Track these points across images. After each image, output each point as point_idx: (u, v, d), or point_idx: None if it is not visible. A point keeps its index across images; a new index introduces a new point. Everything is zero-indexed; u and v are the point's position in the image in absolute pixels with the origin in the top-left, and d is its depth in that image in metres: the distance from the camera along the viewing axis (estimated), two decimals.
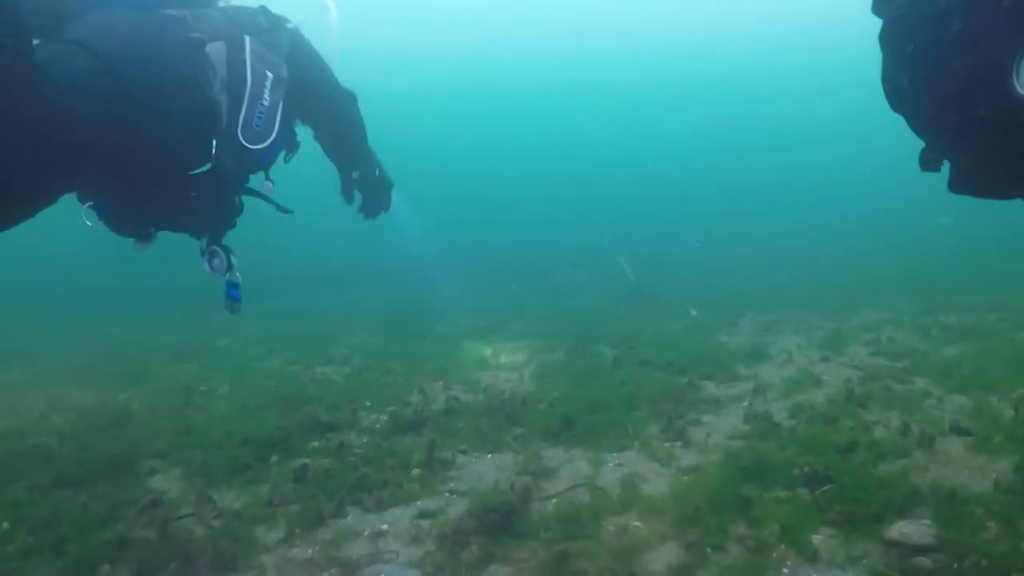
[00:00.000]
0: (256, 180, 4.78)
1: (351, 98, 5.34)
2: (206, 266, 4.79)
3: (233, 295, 4.89)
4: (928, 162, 3.31)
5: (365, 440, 8.62)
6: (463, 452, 8.11)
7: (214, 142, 4.13)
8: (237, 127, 4.22)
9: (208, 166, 4.19)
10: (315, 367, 12.56)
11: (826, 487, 6.37)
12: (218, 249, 4.77)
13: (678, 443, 8.05)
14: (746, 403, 9.07)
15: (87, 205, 4.30)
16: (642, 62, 49.73)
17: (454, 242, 30.12)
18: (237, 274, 4.85)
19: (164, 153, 3.99)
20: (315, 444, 8.44)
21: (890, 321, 14.09)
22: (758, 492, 6.42)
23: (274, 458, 8.05)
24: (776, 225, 32.67)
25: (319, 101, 5.10)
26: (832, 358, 11.17)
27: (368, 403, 9.99)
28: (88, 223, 4.39)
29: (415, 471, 7.54)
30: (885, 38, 3.26)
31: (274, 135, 4.42)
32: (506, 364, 12.23)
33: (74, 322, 20.21)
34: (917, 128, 3.34)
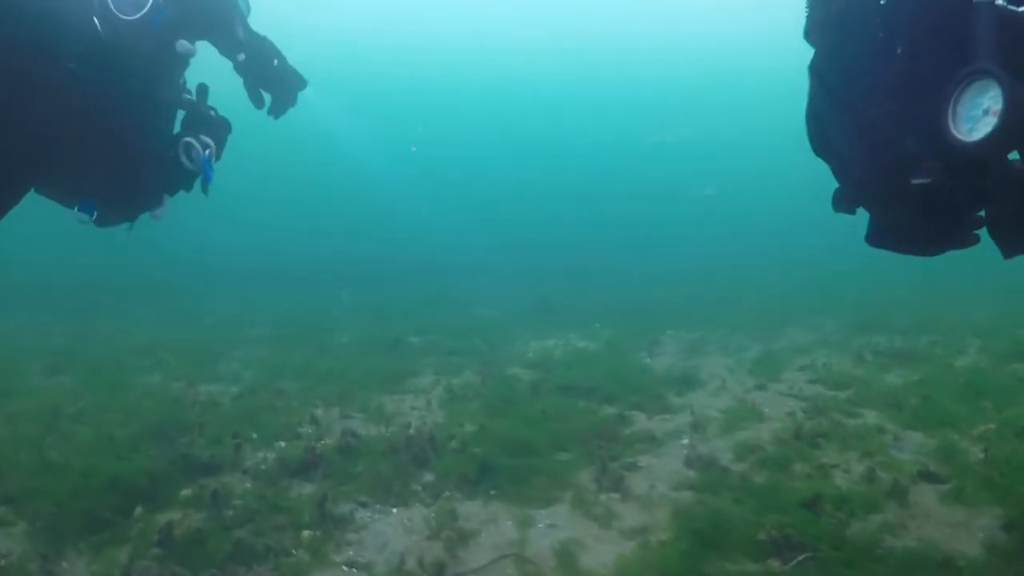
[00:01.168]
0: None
1: (241, 13, 5.00)
2: (184, 160, 4.63)
3: (208, 175, 4.73)
4: (841, 203, 3.22)
5: (247, 486, 7.12)
6: (363, 505, 6.69)
7: (95, 20, 4.11)
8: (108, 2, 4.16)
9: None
10: (200, 385, 10.99)
11: (800, 557, 5.37)
12: (192, 142, 4.63)
13: (616, 495, 6.85)
14: (685, 440, 8.18)
15: (76, 210, 4.47)
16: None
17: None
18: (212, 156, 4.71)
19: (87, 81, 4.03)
20: (187, 492, 6.86)
21: (820, 343, 13.42)
22: (721, 565, 5.39)
23: (138, 510, 6.51)
24: (692, 235, 31.69)
25: (221, 28, 4.83)
26: (768, 385, 10.41)
27: (254, 435, 8.49)
28: (81, 223, 4.52)
29: (305, 533, 6.07)
30: (815, 69, 3.07)
31: (149, 3, 4.24)
32: (410, 387, 10.88)
33: None
34: (839, 173, 3.16)
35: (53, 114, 3.99)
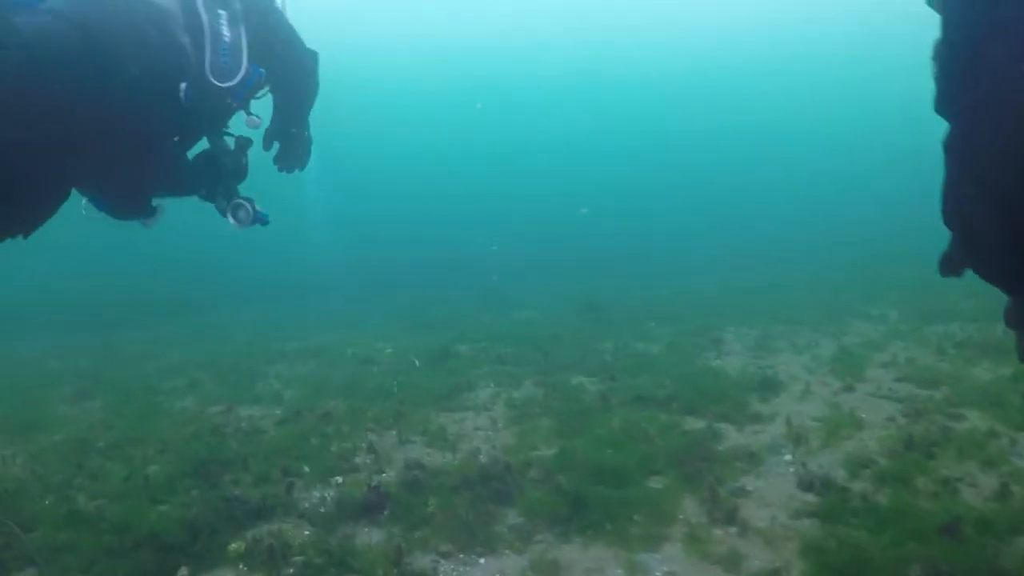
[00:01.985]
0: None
1: (312, 56, 5.26)
2: (232, 221, 4.82)
3: (261, 220, 4.92)
4: (951, 269, 2.87)
5: (306, 534, 6.05)
6: (445, 556, 5.63)
7: (183, 85, 4.24)
8: (204, 65, 4.25)
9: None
10: (239, 408, 9.99)
11: None
12: (242, 202, 4.80)
13: (733, 529, 5.83)
14: (787, 456, 7.25)
15: (85, 201, 4.58)
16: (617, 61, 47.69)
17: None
18: (262, 214, 4.89)
19: (143, 107, 4.08)
20: (237, 546, 5.80)
21: (892, 335, 12.48)
22: None
23: (183, 571, 5.46)
24: (738, 227, 30.61)
25: (277, 47, 4.91)
26: (855, 386, 9.45)
27: (306, 468, 7.45)
28: (87, 214, 4.59)
29: None
30: (951, 148, 2.58)
31: (243, 71, 4.37)
32: (468, 402, 9.84)
33: None
34: (969, 245, 2.73)
35: (103, 129, 3.99)
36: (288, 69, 5.10)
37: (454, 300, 20.39)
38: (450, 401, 9.79)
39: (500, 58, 46.48)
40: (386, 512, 6.30)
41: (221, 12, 4.39)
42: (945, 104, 2.63)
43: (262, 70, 4.66)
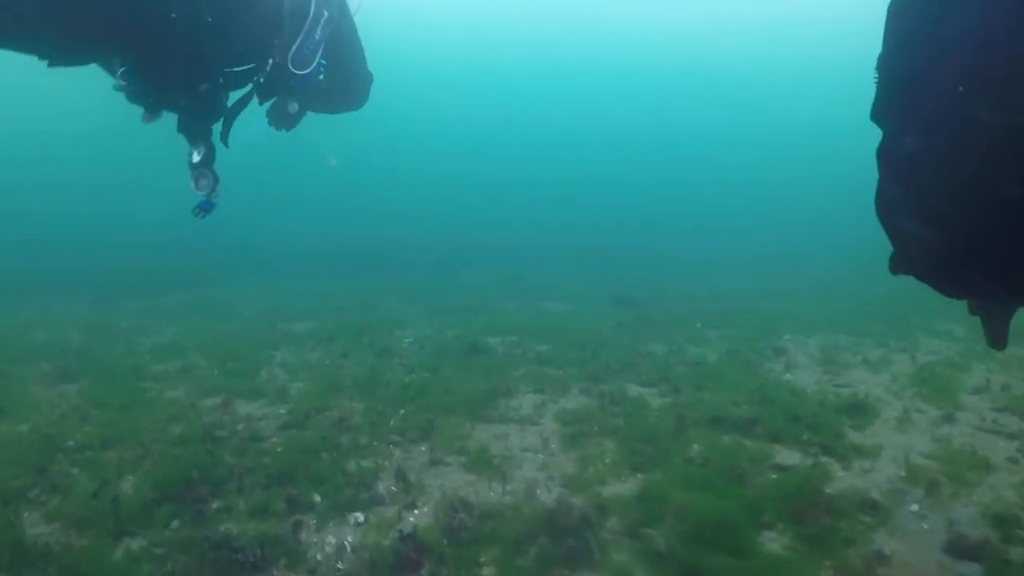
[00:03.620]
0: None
1: (367, 77, 5.67)
2: (192, 184, 4.90)
3: (205, 206, 5.01)
4: (898, 268, 2.94)
5: None
6: None
7: (271, 60, 4.82)
8: (290, 49, 4.74)
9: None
10: (237, 403, 8.27)
11: None
12: (209, 172, 4.92)
13: None
14: (915, 507, 5.87)
15: (121, 70, 4.51)
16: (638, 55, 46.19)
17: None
18: (216, 198, 5.02)
19: (222, 38, 4.55)
20: None
21: (968, 355, 11.01)
22: None
23: None
24: (764, 225, 28.99)
25: (343, 60, 5.30)
26: (955, 415, 8.07)
27: (317, 497, 5.70)
28: (118, 82, 4.56)
29: None
30: (884, 157, 2.76)
31: (313, 66, 4.85)
32: (510, 412, 8.16)
33: None
34: (903, 251, 2.86)
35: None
36: (344, 79, 5.53)
37: (471, 285, 18.65)
38: (487, 409, 8.10)
39: (535, 45, 45.01)
40: (424, 573, 4.58)
41: (324, 13, 4.84)
42: (881, 114, 2.73)
43: (322, 74, 5.11)
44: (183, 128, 5.07)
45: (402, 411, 7.90)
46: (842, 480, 6.36)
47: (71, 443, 7.14)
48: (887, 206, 2.78)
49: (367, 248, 24.00)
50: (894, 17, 2.63)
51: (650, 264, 22.07)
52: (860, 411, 8.15)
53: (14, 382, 9.63)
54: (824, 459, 6.79)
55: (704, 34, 45.40)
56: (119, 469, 6.49)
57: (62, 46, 4.30)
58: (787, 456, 6.88)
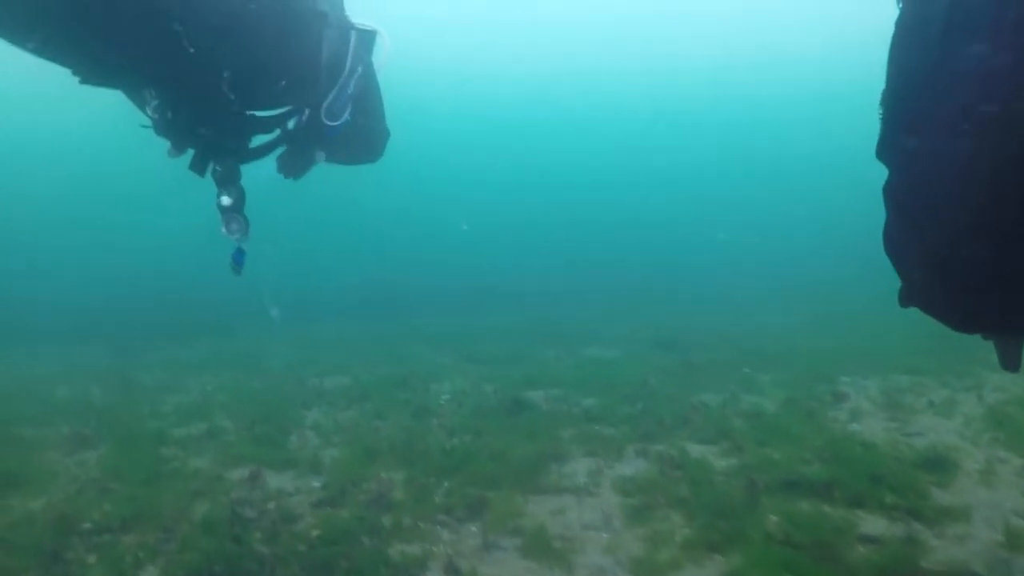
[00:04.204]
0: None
1: (385, 134, 5.74)
2: (223, 229, 4.79)
3: (238, 259, 4.94)
4: (908, 302, 2.99)
5: None
6: None
7: (307, 111, 4.82)
8: (326, 100, 4.78)
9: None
10: (268, 474, 7.59)
11: None
12: (239, 216, 4.78)
13: None
14: None
15: (154, 103, 4.42)
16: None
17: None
18: (247, 243, 4.88)
19: (259, 80, 4.45)
20: None
21: None
22: None
23: None
24: (792, 257, 28.17)
25: (366, 115, 5.31)
26: None
27: None
28: (147, 114, 4.48)
29: None
30: (890, 194, 2.84)
31: (343, 119, 4.90)
32: (563, 481, 7.43)
33: None
34: (910, 286, 2.95)
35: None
36: (364, 134, 5.48)
37: (502, 329, 17.88)
38: (539, 477, 7.39)
39: (557, 80, 44.59)
40: None
41: (358, 68, 4.91)
42: (885, 151, 2.76)
43: (344, 127, 5.02)
44: (202, 166, 4.88)
45: (446, 483, 7.20)
46: (937, 550, 5.73)
47: (88, 525, 6.50)
48: (893, 244, 2.80)
49: (391, 290, 23.37)
50: (896, 55, 2.64)
51: (683, 301, 21.31)
52: (939, 465, 7.44)
53: (31, 448, 9.08)
54: (913, 525, 6.12)
55: (724, 68, 44.91)
56: (138, 557, 5.84)
57: (94, 66, 4.12)
58: (872, 524, 6.22)
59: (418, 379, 12.30)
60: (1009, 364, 2.94)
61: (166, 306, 21.32)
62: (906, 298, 2.95)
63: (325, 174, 5.83)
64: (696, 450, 8.16)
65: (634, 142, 43.67)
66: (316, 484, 7.44)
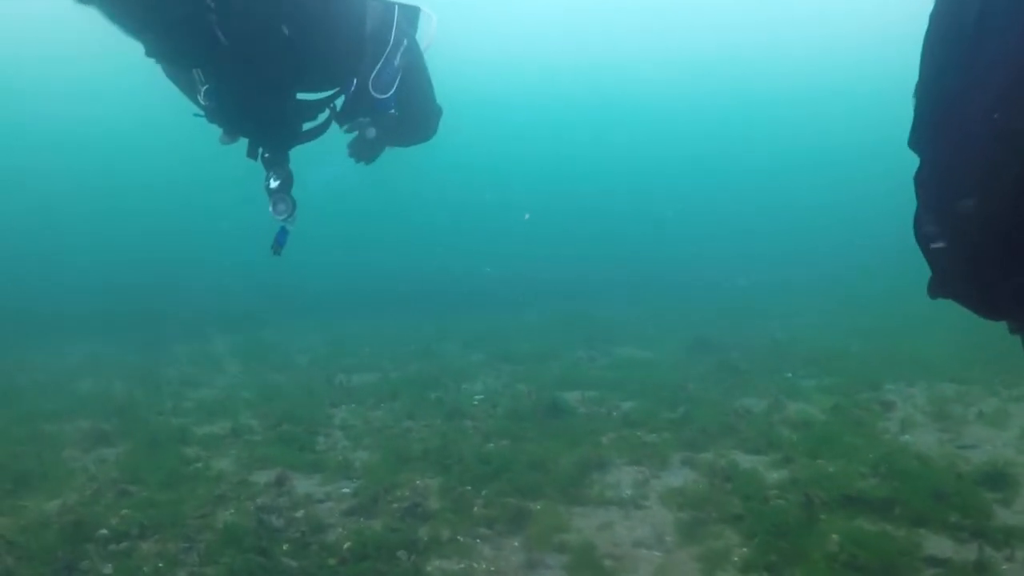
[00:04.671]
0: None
1: (438, 110, 5.74)
2: (271, 209, 4.86)
3: (281, 240, 4.99)
4: (937, 292, 2.84)
5: None
6: None
7: (354, 80, 4.87)
8: (371, 74, 4.85)
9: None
10: (295, 478, 7.16)
11: None
12: (287, 197, 4.86)
13: None
14: None
15: (204, 88, 4.53)
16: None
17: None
18: (293, 224, 4.94)
19: (306, 58, 4.49)
20: None
21: None
22: None
23: None
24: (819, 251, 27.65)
25: (415, 91, 5.32)
26: None
27: None
28: (199, 103, 4.62)
29: None
30: (921, 183, 2.70)
31: (392, 92, 4.96)
32: (606, 492, 6.96)
33: None
34: (940, 277, 2.78)
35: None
36: (415, 111, 5.40)
37: (534, 327, 17.43)
38: (582, 488, 6.95)
39: (600, 71, 44.04)
40: None
41: (404, 41, 5.00)
42: (918, 142, 2.65)
43: (393, 109, 5.07)
44: (256, 153, 4.96)
45: (484, 492, 6.76)
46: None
47: (104, 531, 6.08)
48: (923, 233, 2.70)
49: (421, 285, 22.98)
50: (931, 44, 2.58)
51: (715, 298, 20.82)
52: (1000, 481, 6.97)
53: (50, 445, 8.74)
54: (984, 549, 5.60)
55: (746, 61, 44.23)
56: (157, 568, 5.43)
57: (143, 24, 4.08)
58: (938, 544, 5.79)
59: (449, 377, 11.91)
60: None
61: (194, 297, 21.06)
62: (935, 287, 2.84)
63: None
64: (745, 460, 7.70)
65: (653, 137, 43.24)
66: (347, 490, 7.03)
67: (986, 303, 2.57)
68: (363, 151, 5.67)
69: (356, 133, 5.58)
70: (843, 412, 9.53)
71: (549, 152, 42.62)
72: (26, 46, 34.47)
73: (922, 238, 2.69)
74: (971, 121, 2.32)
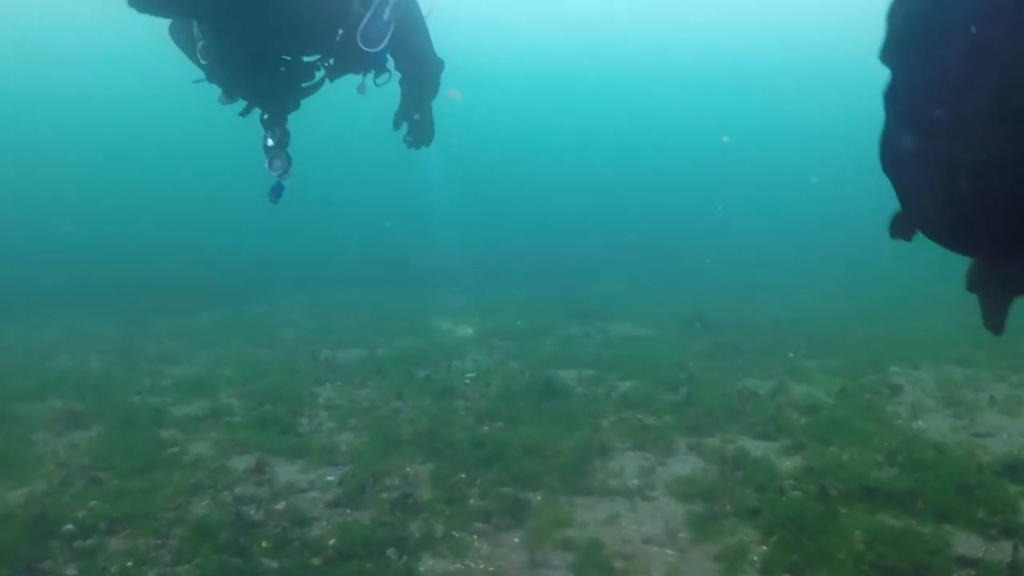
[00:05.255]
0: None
1: (439, 63, 5.62)
2: (266, 164, 5.05)
3: (277, 192, 5.23)
4: (901, 229, 2.92)
5: None
6: None
7: (340, 30, 4.75)
8: (359, 26, 4.74)
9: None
10: (276, 463, 6.68)
11: None
12: (283, 154, 5.06)
13: None
14: None
15: (200, 43, 4.71)
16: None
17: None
18: (288, 179, 5.19)
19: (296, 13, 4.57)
20: None
21: None
22: None
23: None
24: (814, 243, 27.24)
25: (413, 46, 5.30)
26: None
27: None
28: (199, 63, 4.76)
29: None
30: (893, 98, 2.61)
31: (382, 46, 4.86)
32: (610, 481, 6.50)
33: None
34: (907, 199, 2.75)
35: None
36: (416, 66, 5.44)
37: (524, 303, 16.97)
38: (584, 476, 6.49)
39: (560, 46, 43.39)
40: None
41: None
42: (891, 53, 2.57)
43: (389, 56, 5.12)
44: (251, 111, 5.09)
45: (480, 480, 6.26)
46: None
47: (70, 526, 5.55)
48: (893, 153, 2.63)
49: (411, 258, 22.48)
50: None
51: (712, 278, 20.33)
52: (1020, 471, 6.58)
53: (19, 427, 8.20)
54: (1009, 544, 5.24)
55: (736, 36, 43.55)
56: (125, 568, 4.92)
57: None
58: (967, 543, 5.42)
59: (439, 353, 11.41)
60: (993, 325, 2.91)
61: (178, 269, 20.47)
62: (898, 227, 2.85)
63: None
64: (754, 447, 7.28)
65: (656, 113, 42.71)
66: (331, 478, 6.54)
67: (957, 235, 2.50)
68: (415, 138, 5.82)
69: (404, 127, 5.79)
70: (851, 395, 9.16)
71: (535, 128, 42.10)
72: None
73: (890, 156, 2.63)
74: (946, 33, 2.27)
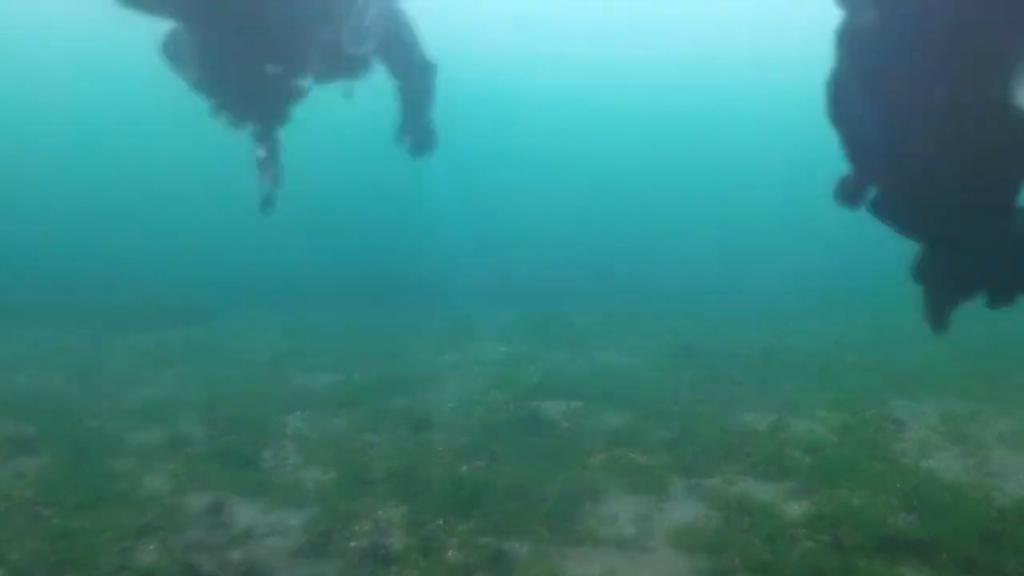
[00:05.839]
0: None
1: (431, 67, 5.95)
2: (258, 175, 5.26)
3: (269, 202, 5.43)
4: (846, 194, 2.84)
5: None
6: None
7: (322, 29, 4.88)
8: (342, 28, 4.82)
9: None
10: (235, 504, 6.06)
11: None
12: (273, 164, 5.22)
13: None
14: None
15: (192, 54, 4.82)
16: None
17: None
18: (278, 191, 5.37)
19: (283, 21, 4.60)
20: None
21: None
22: None
23: None
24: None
25: (403, 52, 5.60)
26: None
27: None
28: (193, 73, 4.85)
29: None
30: (843, 38, 2.66)
31: (365, 47, 5.03)
32: (604, 529, 5.95)
33: None
34: (852, 147, 2.79)
35: None
36: (408, 71, 5.75)
37: (504, 326, 16.29)
38: (573, 523, 5.90)
39: (589, 70, 43.15)
40: None
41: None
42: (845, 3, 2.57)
43: (372, 58, 5.24)
44: (241, 123, 5.12)
45: (460, 528, 5.65)
46: None
47: (1, 571, 4.93)
48: (838, 94, 2.62)
49: (387, 278, 21.89)
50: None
51: (698, 304, 19.77)
52: None
53: None
54: None
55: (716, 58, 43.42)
56: None
57: None
58: None
59: (416, 380, 10.76)
60: (935, 322, 2.95)
61: (151, 285, 19.84)
62: (842, 190, 2.78)
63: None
64: (758, 490, 6.70)
65: (638, 136, 42.34)
66: (295, 521, 5.91)
67: (893, 177, 2.46)
68: (419, 147, 6.13)
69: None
70: (854, 432, 8.59)
71: (518, 147, 41.71)
72: None
73: (835, 104, 2.63)
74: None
